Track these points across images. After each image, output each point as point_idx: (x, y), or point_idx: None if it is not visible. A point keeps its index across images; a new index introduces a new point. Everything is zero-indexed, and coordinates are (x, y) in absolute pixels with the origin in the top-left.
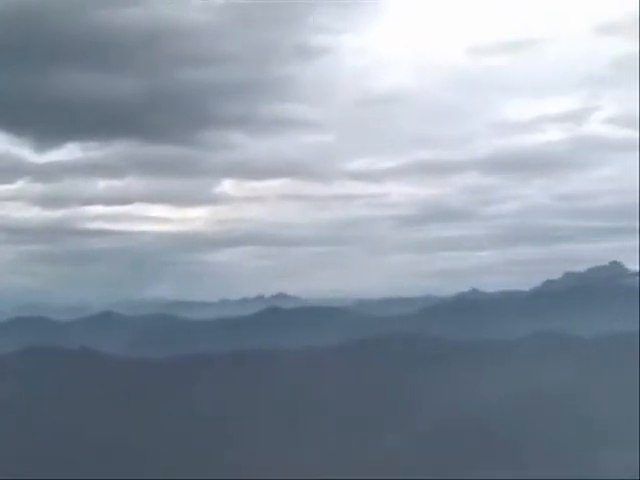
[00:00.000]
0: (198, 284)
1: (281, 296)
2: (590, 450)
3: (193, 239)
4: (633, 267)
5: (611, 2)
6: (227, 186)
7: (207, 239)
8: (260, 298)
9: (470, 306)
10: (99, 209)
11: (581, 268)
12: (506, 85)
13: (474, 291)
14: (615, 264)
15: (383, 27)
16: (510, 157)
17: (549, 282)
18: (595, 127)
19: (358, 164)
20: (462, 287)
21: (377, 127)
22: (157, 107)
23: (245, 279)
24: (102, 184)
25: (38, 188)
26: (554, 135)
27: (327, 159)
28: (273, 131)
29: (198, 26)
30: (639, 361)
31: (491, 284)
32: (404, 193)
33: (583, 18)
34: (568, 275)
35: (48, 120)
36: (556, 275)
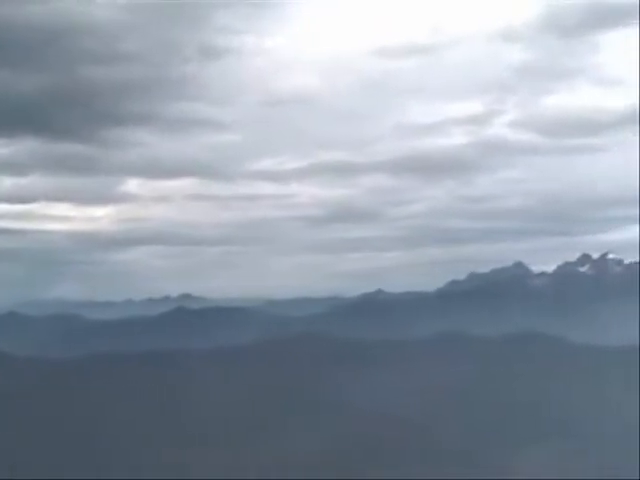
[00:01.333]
0: (103, 284)
1: (187, 296)
2: (499, 448)
3: (98, 238)
4: (537, 268)
5: (513, 9)
6: (132, 185)
7: (112, 238)
8: (166, 298)
9: (376, 306)
10: (2, 207)
11: (485, 269)
12: (412, 88)
13: (380, 291)
14: (519, 265)
15: (289, 28)
16: (416, 159)
17: (454, 282)
18: (499, 131)
19: (264, 164)
20: (368, 287)
21: (283, 128)
22: (61, 105)
23: (151, 279)
24: (5, 182)
25: None
26: (459, 138)
27: (233, 159)
28: (178, 130)
29: (102, 24)
30: (541, 360)
31: (397, 285)
32: (310, 194)
33: (486, 24)
34: (473, 276)
35: None
36: (461, 276)
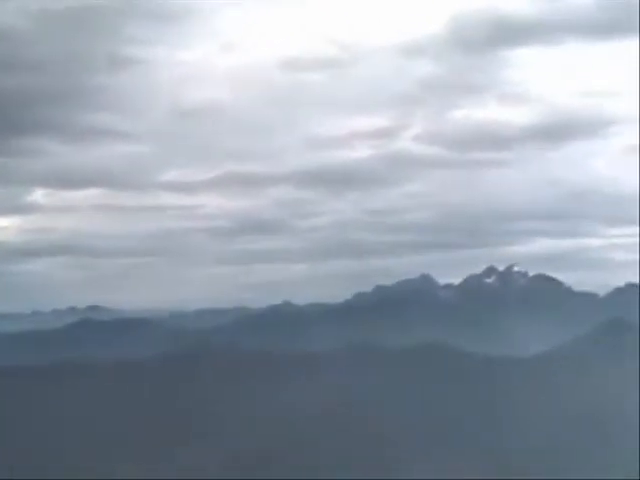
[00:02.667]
0: (8, 295)
1: (94, 308)
2: (403, 456)
3: (3, 249)
4: (443, 280)
5: (419, 24)
6: (39, 195)
7: (18, 249)
8: (73, 309)
9: (283, 318)
10: None
11: (392, 281)
12: (320, 101)
13: (287, 303)
14: (425, 277)
15: (199, 40)
16: (323, 172)
17: (360, 295)
18: (405, 144)
19: (172, 175)
20: (275, 299)
21: (191, 139)
22: None
23: (57, 290)
24: None
25: None
26: (366, 151)
27: (141, 170)
28: (86, 140)
29: (10, 31)
30: (446, 371)
31: (304, 296)
32: (218, 205)
33: (393, 38)
34: (379, 288)
35: None
36: (367, 288)
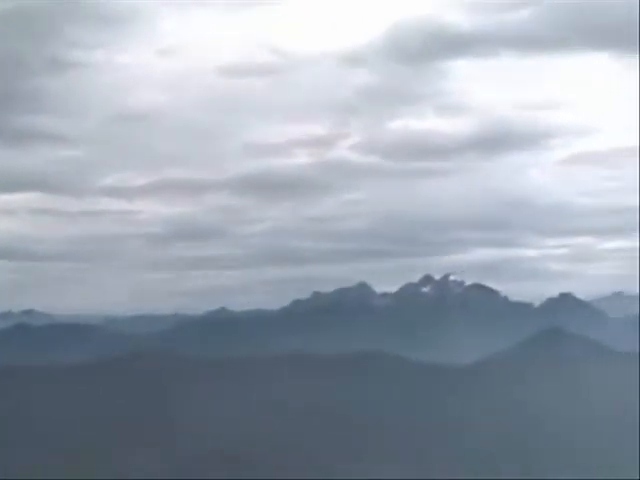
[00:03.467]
0: None
1: (29, 312)
2: (338, 467)
3: None
4: (380, 288)
5: (358, 33)
6: None
7: None
8: (8, 314)
9: (220, 324)
10: None
11: (329, 289)
12: (258, 108)
13: (223, 309)
14: (362, 285)
15: (138, 44)
16: (261, 179)
17: (297, 302)
18: (343, 153)
19: (109, 180)
20: (212, 306)
21: (129, 144)
22: None
23: None
24: None
25: None
26: (304, 159)
27: (78, 174)
28: (24, 144)
29: None
30: (382, 378)
31: (241, 303)
32: (155, 211)
33: (332, 47)
34: (316, 295)
35: None
36: (305, 295)
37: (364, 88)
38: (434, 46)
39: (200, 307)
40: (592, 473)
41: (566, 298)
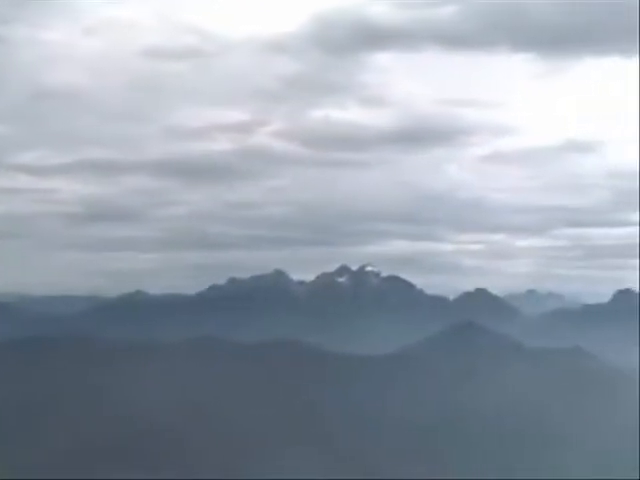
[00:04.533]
0: None
1: None
2: (248, 454)
3: None
4: (296, 277)
5: (283, 22)
6: None
7: None
8: None
9: (135, 307)
10: None
11: (246, 275)
12: (181, 91)
13: (139, 292)
14: (279, 273)
15: (62, 22)
16: (181, 162)
17: (214, 287)
18: (264, 140)
19: (27, 158)
20: (127, 288)
21: (48, 122)
22: None
23: None
24: None
25: None
26: (225, 144)
27: None
28: None
29: None
30: (297, 366)
31: (157, 286)
32: (73, 190)
33: (256, 33)
34: (232, 281)
35: None
36: (221, 280)
37: (287, 76)
38: (359, 38)
39: (116, 289)
40: (499, 464)
41: (480, 293)
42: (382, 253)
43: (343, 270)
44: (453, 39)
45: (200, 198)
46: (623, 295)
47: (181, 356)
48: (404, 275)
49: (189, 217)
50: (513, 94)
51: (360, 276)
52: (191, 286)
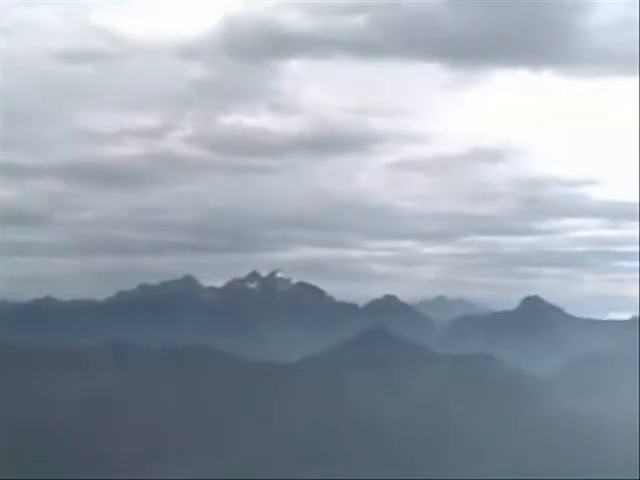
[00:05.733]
0: None
1: None
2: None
3: None
4: (206, 282)
5: (193, 26)
6: None
7: None
8: None
9: (44, 313)
10: None
11: (156, 281)
12: (89, 94)
13: (48, 298)
14: (189, 279)
15: None
16: (89, 166)
17: (123, 293)
18: (174, 145)
19: None
20: (36, 293)
21: None
22: None
23: None
24: None
25: None
26: (134, 149)
27: None
28: None
29: None
30: (206, 373)
31: (66, 292)
32: None
33: (166, 37)
34: (143, 287)
35: None
36: (131, 286)
37: (198, 81)
38: (269, 45)
39: (25, 294)
40: (407, 471)
41: (389, 300)
42: (292, 260)
43: (253, 276)
44: (364, 48)
45: (109, 203)
46: (530, 302)
47: (91, 362)
48: (314, 282)
49: (98, 222)
50: (422, 103)
51: (270, 282)
52: (101, 292)
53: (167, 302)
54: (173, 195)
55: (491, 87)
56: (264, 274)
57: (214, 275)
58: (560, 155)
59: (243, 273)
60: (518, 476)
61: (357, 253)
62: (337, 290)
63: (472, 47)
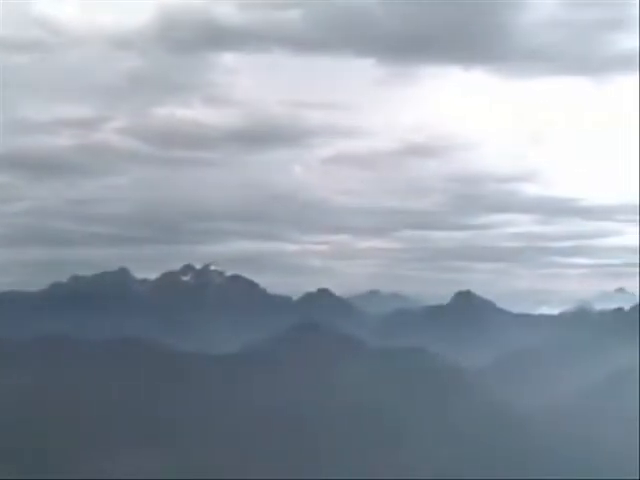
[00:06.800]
0: None
1: None
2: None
3: None
4: (140, 275)
5: (127, 17)
6: None
7: None
8: None
9: None
10: None
11: (89, 273)
12: (23, 84)
13: None
14: (123, 271)
15: None
16: (23, 157)
17: (56, 285)
18: (107, 136)
19: None
20: None
21: None
22: None
23: None
24: None
25: None
26: (68, 140)
27: None
28: None
29: None
30: (141, 365)
31: None
32: None
33: (101, 28)
34: (75, 279)
35: None
36: (64, 278)
37: (132, 73)
38: (204, 37)
39: None
40: (341, 464)
41: (323, 294)
42: (226, 252)
43: (187, 269)
44: (298, 42)
45: (43, 194)
46: (462, 296)
47: (25, 354)
48: (248, 274)
49: (31, 213)
50: (357, 98)
51: (204, 275)
52: (33, 283)
53: (100, 294)
54: (107, 186)
55: (425, 83)
56: (198, 267)
57: (148, 267)
58: (493, 151)
59: (177, 266)
60: (450, 468)
61: (291, 247)
62: (271, 283)
63: (406, 43)
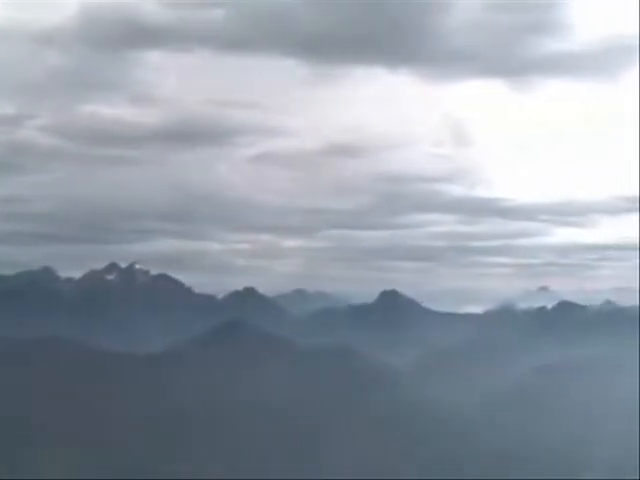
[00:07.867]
0: None
1: None
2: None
3: None
4: (64, 274)
5: (50, 13)
6: None
7: None
8: None
9: None
10: None
11: (12, 271)
12: None
13: None
14: (46, 269)
15: None
16: None
17: None
18: (30, 134)
19: None
20: None
21: None
22: None
23: None
24: None
25: None
26: None
27: None
28: None
29: None
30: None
31: None
32: None
33: (22, 24)
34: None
35: None
36: None
37: (55, 70)
38: (128, 35)
39: None
40: (266, 463)
41: (249, 293)
42: (151, 251)
43: (112, 268)
44: (223, 41)
45: None
46: (387, 296)
47: None
48: (173, 273)
49: None
50: (282, 98)
51: (129, 274)
52: None
53: (24, 293)
54: (29, 184)
55: (350, 84)
56: (123, 265)
57: (72, 266)
58: (418, 152)
59: (101, 264)
60: (374, 466)
61: (216, 245)
62: (196, 282)
63: (331, 44)
